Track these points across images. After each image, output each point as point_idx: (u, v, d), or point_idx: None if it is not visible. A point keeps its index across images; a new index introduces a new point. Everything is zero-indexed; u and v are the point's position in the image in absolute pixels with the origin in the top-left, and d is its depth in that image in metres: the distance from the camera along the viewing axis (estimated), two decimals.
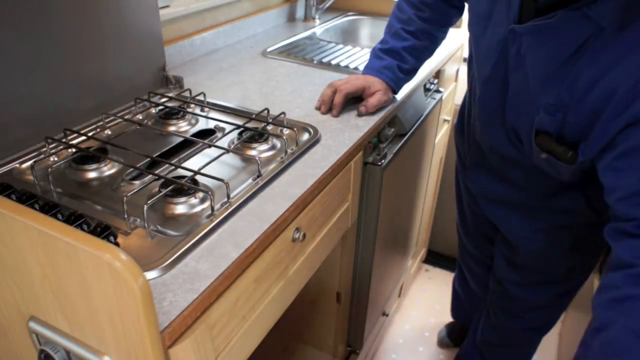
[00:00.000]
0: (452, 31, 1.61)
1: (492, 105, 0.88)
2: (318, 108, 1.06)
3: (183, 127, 0.99)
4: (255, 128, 0.93)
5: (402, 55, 1.08)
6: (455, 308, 1.68)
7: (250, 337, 0.74)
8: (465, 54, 1.75)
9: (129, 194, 0.71)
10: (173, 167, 0.84)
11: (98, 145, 0.89)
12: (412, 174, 1.37)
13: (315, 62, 1.34)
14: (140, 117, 1.01)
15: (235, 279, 0.66)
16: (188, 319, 0.58)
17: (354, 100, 1.07)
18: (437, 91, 1.42)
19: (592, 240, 1.00)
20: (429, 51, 1.13)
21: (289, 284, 0.83)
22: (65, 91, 0.91)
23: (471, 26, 0.92)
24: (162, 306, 0.57)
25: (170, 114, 1.00)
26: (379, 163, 1.05)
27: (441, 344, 1.74)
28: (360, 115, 1.04)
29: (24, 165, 0.84)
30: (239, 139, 0.92)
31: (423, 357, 1.70)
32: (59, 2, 0.85)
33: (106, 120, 0.97)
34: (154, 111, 1.04)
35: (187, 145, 0.93)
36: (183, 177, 0.78)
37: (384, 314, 1.57)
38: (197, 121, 1.01)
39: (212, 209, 0.73)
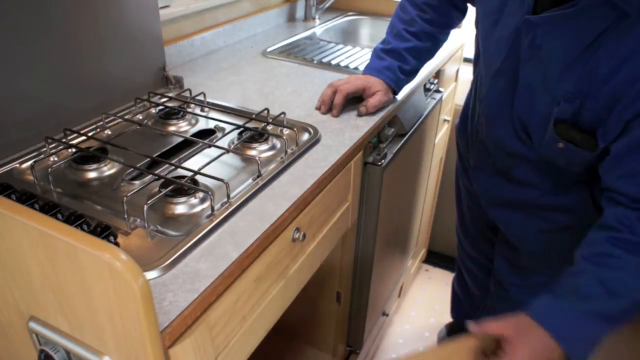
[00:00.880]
0: (453, 31, 1.61)
1: (500, 100, 0.88)
2: (318, 108, 1.06)
3: (183, 127, 0.99)
4: (255, 128, 0.93)
5: (403, 56, 1.08)
6: (455, 309, 1.68)
7: (250, 337, 0.74)
8: (465, 54, 1.75)
9: (129, 194, 0.71)
10: (173, 167, 0.84)
11: (98, 145, 0.89)
12: (412, 174, 1.37)
13: (315, 62, 1.34)
14: (140, 117, 1.01)
15: (235, 279, 0.66)
16: (188, 319, 0.58)
17: (354, 100, 1.07)
18: (437, 91, 1.42)
19: None
20: (430, 53, 1.13)
21: (289, 284, 0.83)
22: (65, 91, 0.91)
23: (479, 23, 0.92)
24: (162, 306, 0.57)
25: (170, 114, 1.00)
26: (379, 163, 1.05)
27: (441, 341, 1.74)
28: (360, 115, 1.05)
29: (24, 165, 0.84)
30: (239, 139, 0.92)
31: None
32: (59, 2, 0.85)
33: (106, 120, 0.97)
34: (154, 111, 1.04)
35: (187, 145, 0.93)
36: (183, 177, 0.78)
37: (384, 314, 1.57)
38: (197, 121, 1.01)
39: (212, 209, 0.73)
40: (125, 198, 0.70)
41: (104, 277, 0.49)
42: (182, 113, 1.01)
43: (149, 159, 0.85)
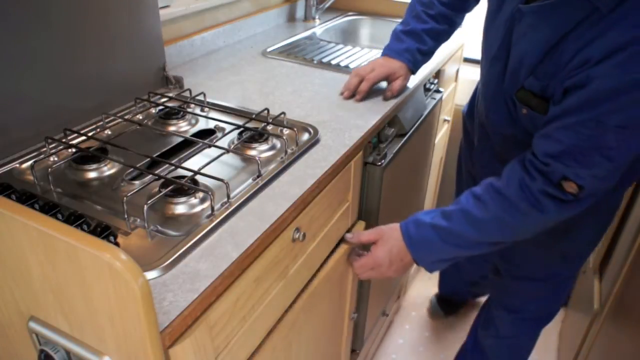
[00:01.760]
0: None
1: (495, 84, 0.94)
2: (341, 93, 1.13)
3: (183, 127, 0.99)
4: (255, 128, 0.93)
5: (422, 37, 1.14)
6: (442, 281, 1.76)
7: (250, 337, 0.74)
8: (466, 54, 1.76)
9: (129, 194, 0.71)
10: (173, 167, 0.84)
11: (98, 145, 0.89)
12: (412, 174, 1.37)
13: (315, 62, 1.34)
14: (140, 117, 1.01)
15: (235, 279, 0.66)
16: (188, 319, 0.58)
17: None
18: (437, 91, 1.42)
19: (585, 227, 1.03)
20: (447, 35, 1.18)
21: (289, 284, 0.83)
22: (65, 91, 0.91)
23: (487, 11, 0.98)
24: (162, 306, 0.57)
25: (170, 114, 1.00)
26: (379, 163, 1.05)
27: (433, 314, 1.82)
28: (386, 99, 1.12)
29: (24, 165, 0.84)
30: (239, 139, 0.92)
31: (423, 357, 1.70)
32: (59, 3, 0.85)
33: (106, 120, 0.97)
34: (154, 111, 1.04)
35: (187, 145, 0.93)
36: (183, 177, 0.78)
37: (384, 314, 1.57)
38: (197, 121, 1.01)
39: (212, 209, 0.73)
40: (125, 198, 0.70)
41: (104, 277, 0.49)
42: (182, 113, 1.01)
43: (149, 159, 0.85)
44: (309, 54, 1.41)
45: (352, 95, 1.11)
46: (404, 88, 1.14)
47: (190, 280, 0.61)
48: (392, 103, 1.11)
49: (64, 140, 0.87)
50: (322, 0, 1.78)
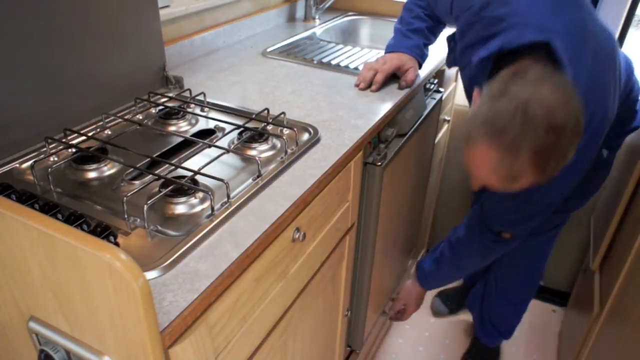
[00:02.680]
0: (453, 31, 1.61)
1: None
2: (357, 85, 1.20)
3: (183, 127, 0.99)
4: (255, 128, 0.93)
5: (426, 34, 1.26)
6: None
7: (250, 337, 0.74)
8: None
9: (129, 194, 0.71)
10: (173, 167, 0.84)
11: (98, 145, 0.89)
12: (412, 174, 1.37)
13: (315, 62, 1.34)
14: (140, 117, 1.01)
15: (235, 279, 0.66)
16: (188, 319, 0.58)
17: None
18: (437, 91, 1.42)
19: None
20: (440, 32, 1.31)
21: (289, 284, 0.83)
22: (65, 91, 0.91)
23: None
24: (162, 306, 0.57)
25: (170, 114, 1.00)
26: (379, 163, 1.05)
27: (437, 313, 1.85)
28: (401, 88, 1.19)
29: (24, 165, 0.84)
30: (239, 139, 0.92)
31: (423, 357, 1.70)
32: (59, 3, 0.85)
33: (106, 120, 0.97)
34: (154, 111, 1.04)
35: (187, 145, 0.93)
36: (183, 177, 0.78)
37: (384, 314, 1.57)
38: (197, 121, 1.01)
39: (212, 209, 0.73)
40: (125, 198, 0.70)
41: (104, 277, 0.49)
42: (182, 113, 1.01)
43: (149, 159, 0.85)
44: (309, 54, 1.41)
45: (367, 86, 1.19)
46: (416, 78, 1.22)
47: (190, 280, 0.61)
48: (392, 103, 1.11)
49: (64, 140, 0.87)
50: (322, 0, 1.78)
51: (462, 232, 1.24)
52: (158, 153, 0.89)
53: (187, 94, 1.08)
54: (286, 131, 0.97)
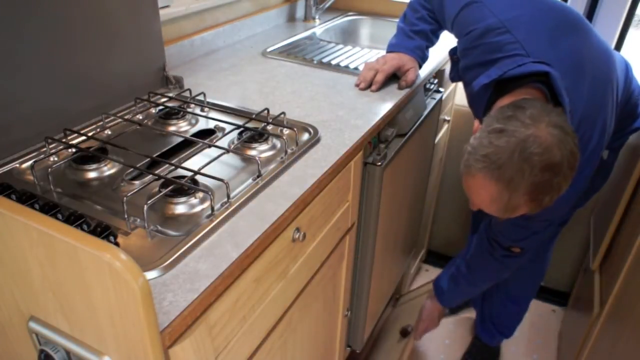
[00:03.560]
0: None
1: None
2: (357, 85, 1.20)
3: (183, 127, 0.99)
4: (255, 128, 0.93)
5: (429, 36, 1.26)
6: None
7: (250, 337, 0.74)
8: None
9: (129, 194, 0.71)
10: (173, 167, 0.84)
11: (98, 145, 0.89)
12: (412, 174, 1.37)
13: (315, 62, 1.34)
14: (140, 117, 1.01)
15: (235, 279, 0.66)
16: (188, 319, 0.58)
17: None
18: (437, 91, 1.42)
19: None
20: (441, 33, 1.31)
21: (289, 284, 0.83)
22: (65, 91, 0.91)
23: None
24: (162, 306, 0.57)
25: (170, 114, 1.00)
26: (379, 163, 1.05)
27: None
28: (401, 88, 1.19)
29: (24, 165, 0.84)
30: (239, 139, 0.92)
31: (423, 357, 1.70)
32: (59, 3, 0.85)
33: (106, 120, 0.97)
34: (154, 111, 1.04)
35: (187, 145, 0.93)
36: (183, 177, 0.78)
37: (384, 314, 1.57)
38: (197, 121, 1.01)
39: (212, 209, 0.73)
40: (125, 198, 0.70)
41: (104, 277, 0.49)
42: (182, 113, 1.01)
43: (149, 159, 0.85)
44: (309, 54, 1.41)
45: (367, 86, 1.19)
46: (416, 78, 1.22)
47: (190, 280, 0.61)
48: (392, 103, 1.11)
49: (64, 140, 0.87)
50: (322, 0, 1.78)
51: (474, 249, 1.27)
52: (158, 153, 0.89)
53: (187, 94, 1.08)
54: (286, 131, 0.97)
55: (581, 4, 1.59)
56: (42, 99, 0.87)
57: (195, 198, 0.76)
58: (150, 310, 0.50)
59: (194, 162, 0.88)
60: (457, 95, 1.77)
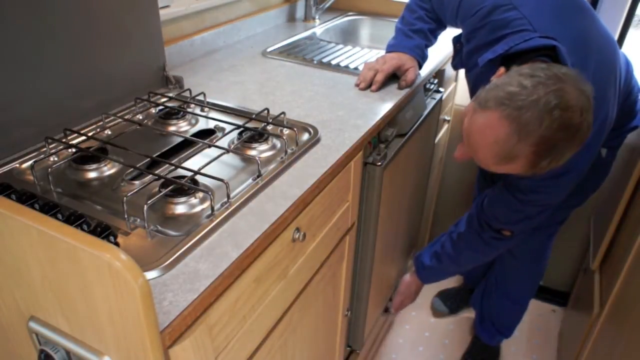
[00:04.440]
0: (453, 31, 1.61)
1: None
2: (357, 85, 1.20)
3: (183, 127, 0.99)
4: (255, 128, 0.93)
5: (427, 35, 1.26)
6: (468, 274, 1.86)
7: (250, 337, 0.74)
8: None
9: (129, 194, 0.71)
10: (173, 167, 0.84)
11: (98, 145, 0.89)
12: (412, 174, 1.37)
13: (315, 62, 1.34)
14: (140, 117, 1.01)
15: (235, 279, 0.66)
16: (188, 319, 0.58)
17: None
18: (437, 91, 1.42)
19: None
20: (440, 33, 1.31)
21: (289, 284, 0.83)
22: (65, 91, 0.91)
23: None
24: (162, 306, 0.57)
25: (170, 114, 1.00)
26: (379, 163, 1.05)
27: (437, 312, 1.86)
28: (401, 88, 1.19)
29: (24, 165, 0.84)
30: (239, 139, 0.92)
31: (423, 357, 1.70)
32: (59, 2, 0.85)
33: (106, 120, 0.97)
34: (154, 111, 1.04)
35: (187, 145, 0.93)
36: (183, 177, 0.78)
37: (384, 314, 1.57)
38: (197, 121, 1.01)
39: (212, 209, 0.73)
40: (125, 198, 0.70)
41: (104, 277, 0.49)
42: (182, 113, 1.01)
43: (149, 159, 0.85)
44: (309, 54, 1.41)
45: (367, 86, 1.19)
46: (416, 78, 1.22)
47: (190, 280, 0.61)
48: (392, 103, 1.11)
49: (64, 140, 0.87)
50: (322, 0, 1.78)
51: (462, 228, 1.25)
52: (158, 153, 0.89)
53: (187, 94, 1.08)
54: (286, 131, 0.97)
55: None
56: (42, 99, 0.87)
57: (195, 198, 0.76)
58: (150, 310, 0.50)
59: (194, 162, 0.88)
60: (457, 95, 1.77)
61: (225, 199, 0.75)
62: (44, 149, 0.87)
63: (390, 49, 1.25)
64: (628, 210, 1.29)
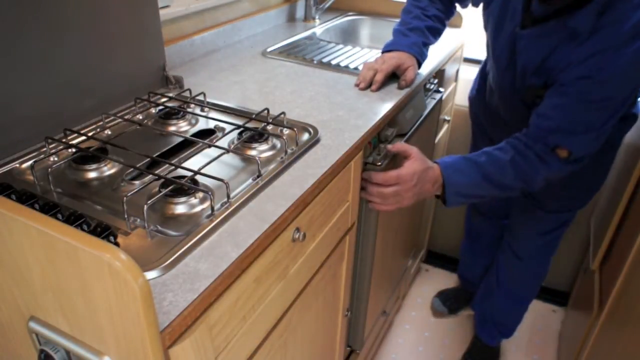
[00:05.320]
0: (453, 31, 1.62)
1: (509, 86, 1.16)
2: (357, 85, 1.20)
3: (183, 127, 0.99)
4: (255, 128, 0.93)
5: (425, 32, 1.26)
6: (462, 264, 1.85)
7: (250, 337, 0.74)
8: (465, 54, 1.76)
9: (129, 194, 0.71)
10: (173, 167, 0.84)
11: (98, 145, 0.89)
12: None
13: (315, 62, 1.34)
14: (140, 117, 1.01)
15: (235, 279, 0.66)
16: (188, 319, 0.58)
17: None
18: (437, 91, 1.42)
19: (584, 179, 1.22)
20: (439, 34, 1.32)
21: (289, 284, 0.83)
22: (65, 91, 0.91)
23: (487, 27, 1.17)
24: (162, 306, 0.57)
25: (170, 114, 1.00)
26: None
27: (437, 313, 1.86)
28: (401, 88, 1.19)
29: (24, 165, 0.84)
30: (239, 139, 0.92)
31: (423, 357, 1.70)
32: (59, 3, 0.85)
33: (106, 120, 0.97)
34: (154, 111, 1.04)
35: (187, 145, 0.93)
36: (183, 177, 0.78)
37: (384, 314, 1.57)
38: (197, 121, 1.01)
39: (212, 209, 0.73)
40: (125, 198, 0.70)
41: (104, 277, 0.49)
42: (182, 113, 1.01)
43: (149, 159, 0.85)
44: (309, 54, 1.41)
45: (367, 86, 1.19)
46: (416, 77, 1.22)
47: (190, 280, 0.61)
48: (392, 103, 1.11)
49: (64, 140, 0.87)
50: (322, 0, 1.78)
51: (502, 145, 1.08)
52: (158, 153, 0.89)
53: (187, 94, 1.08)
54: (286, 131, 0.97)
55: None
56: (42, 98, 0.87)
57: (195, 198, 0.76)
58: (150, 310, 0.50)
59: (194, 162, 0.88)
60: (457, 95, 1.77)
61: (225, 199, 0.75)
62: (44, 149, 0.87)
63: (387, 48, 1.25)
64: (628, 210, 1.29)
